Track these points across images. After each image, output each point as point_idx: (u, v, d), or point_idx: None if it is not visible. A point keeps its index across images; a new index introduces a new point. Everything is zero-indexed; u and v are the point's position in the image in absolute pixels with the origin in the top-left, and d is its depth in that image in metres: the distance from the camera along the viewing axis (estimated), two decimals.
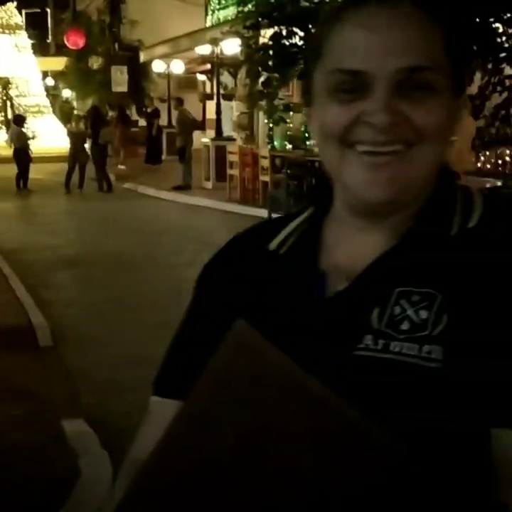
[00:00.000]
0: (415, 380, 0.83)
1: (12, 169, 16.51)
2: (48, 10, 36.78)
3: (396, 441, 0.76)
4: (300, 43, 9.13)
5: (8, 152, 17.30)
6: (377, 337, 0.87)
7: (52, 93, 30.53)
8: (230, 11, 17.10)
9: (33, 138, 17.55)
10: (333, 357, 0.88)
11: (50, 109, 27.77)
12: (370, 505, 0.75)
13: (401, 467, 0.75)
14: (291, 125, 16.61)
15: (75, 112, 24.52)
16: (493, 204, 0.95)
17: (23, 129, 17.38)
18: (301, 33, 9.09)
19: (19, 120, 17.83)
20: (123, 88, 23.85)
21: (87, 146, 16.50)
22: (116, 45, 26.08)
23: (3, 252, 9.16)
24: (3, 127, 24.74)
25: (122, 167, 19.97)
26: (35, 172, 17.07)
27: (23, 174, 16.29)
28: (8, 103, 26.65)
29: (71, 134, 16.90)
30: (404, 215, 0.93)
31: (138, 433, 1.07)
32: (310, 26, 9.05)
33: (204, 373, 0.83)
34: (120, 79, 23.73)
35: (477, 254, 0.88)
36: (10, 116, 23.70)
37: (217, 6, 18.45)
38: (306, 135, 15.98)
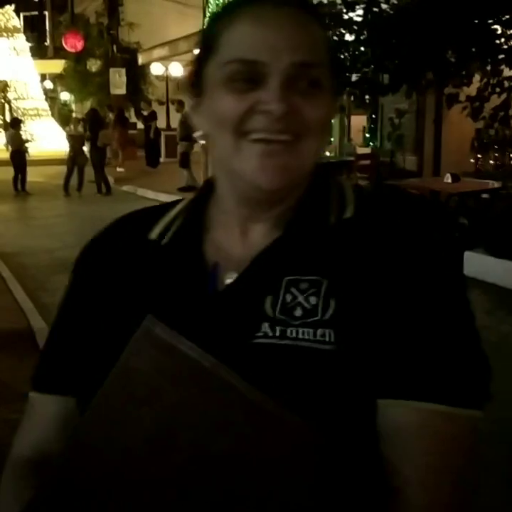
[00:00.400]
0: (312, 363, 0.88)
1: (11, 172, 16.50)
2: (46, 13, 36.85)
3: (304, 422, 0.81)
4: None
5: (7, 155, 17.29)
6: (274, 324, 0.91)
7: (50, 96, 30.54)
8: None
9: (27, 141, 17.50)
10: (233, 346, 0.90)
11: (49, 112, 27.79)
12: (283, 484, 0.80)
13: (309, 444, 0.81)
14: None
15: (74, 114, 24.52)
16: (364, 196, 1.02)
17: (21, 132, 17.39)
18: None
19: (14, 123, 17.84)
20: (121, 91, 23.85)
21: (85, 148, 16.50)
22: (115, 48, 26.02)
23: (2, 255, 9.14)
24: (2, 130, 24.75)
25: (121, 169, 19.96)
26: (34, 175, 17.07)
27: (20, 177, 16.28)
28: (7, 106, 26.66)
29: (70, 137, 16.89)
30: (286, 205, 0.99)
31: (19, 430, 1.08)
32: None
33: (115, 369, 0.84)
34: (118, 81, 23.73)
35: (355, 242, 0.95)
36: (8, 119, 23.69)
37: (216, 9, 18.45)
38: None
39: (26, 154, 16.71)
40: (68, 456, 0.86)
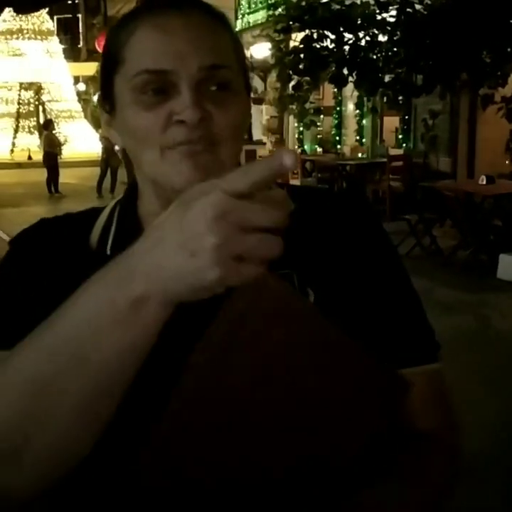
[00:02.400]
0: None
1: (46, 174, 16.69)
2: (80, 15, 37.23)
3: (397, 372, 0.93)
4: (331, 46, 9.10)
5: (40, 157, 17.49)
6: None
7: (83, 98, 30.82)
8: (260, 15, 17.13)
9: (62, 143, 17.66)
10: None
11: (82, 113, 28.07)
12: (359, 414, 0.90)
13: (401, 392, 0.92)
14: (321, 129, 16.59)
15: None
16: (288, 190, 1.04)
17: (55, 133, 17.56)
18: (333, 36, 9.07)
19: (46, 124, 18.03)
20: None
21: (118, 150, 16.60)
22: None
23: None
24: (36, 132, 25.05)
25: None
26: (67, 176, 17.22)
27: (52, 178, 16.43)
28: (41, 108, 26.98)
29: (103, 139, 17.02)
30: None
31: None
32: (341, 29, 9.03)
33: (219, 322, 0.86)
34: None
35: (305, 232, 0.99)
36: (42, 121, 23.96)
37: (247, 10, 18.48)
38: (337, 139, 15.94)
39: (58, 156, 16.85)
40: (173, 416, 0.86)
